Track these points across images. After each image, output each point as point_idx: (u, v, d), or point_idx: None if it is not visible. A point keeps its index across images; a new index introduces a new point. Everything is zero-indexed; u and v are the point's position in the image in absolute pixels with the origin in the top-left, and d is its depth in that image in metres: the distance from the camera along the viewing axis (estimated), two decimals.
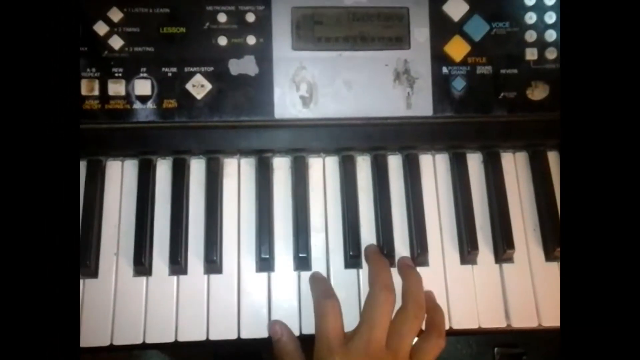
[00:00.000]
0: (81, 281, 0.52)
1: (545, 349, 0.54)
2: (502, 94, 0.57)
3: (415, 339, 0.50)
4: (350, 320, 0.51)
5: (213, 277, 0.54)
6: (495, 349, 0.54)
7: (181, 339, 0.52)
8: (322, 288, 0.52)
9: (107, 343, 0.51)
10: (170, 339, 0.52)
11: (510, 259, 0.56)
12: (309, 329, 0.52)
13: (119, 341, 0.51)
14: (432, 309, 0.52)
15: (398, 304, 0.50)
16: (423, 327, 0.51)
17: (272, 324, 0.52)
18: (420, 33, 0.57)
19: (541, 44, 0.57)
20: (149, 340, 0.52)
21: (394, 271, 0.54)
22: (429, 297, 0.53)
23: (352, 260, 0.54)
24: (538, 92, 0.57)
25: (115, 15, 0.54)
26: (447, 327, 0.54)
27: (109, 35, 0.54)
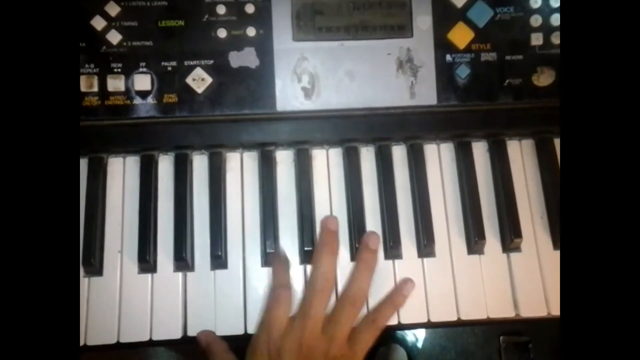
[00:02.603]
0: (86, 279, 0.52)
1: (552, 337, 0.54)
2: (507, 81, 0.56)
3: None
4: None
5: (218, 272, 0.53)
6: (501, 338, 0.54)
7: (188, 335, 0.52)
8: (282, 277, 0.52)
9: (113, 341, 0.51)
10: (176, 335, 0.52)
11: (517, 248, 0.55)
12: None
13: (125, 339, 0.51)
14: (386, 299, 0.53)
15: None
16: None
17: (197, 335, 0.51)
18: (423, 20, 0.56)
19: (547, 29, 0.56)
20: (155, 337, 0.51)
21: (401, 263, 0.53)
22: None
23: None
24: (544, 78, 0.56)
25: (113, 9, 0.54)
26: (455, 318, 0.53)
27: (106, 30, 0.53)
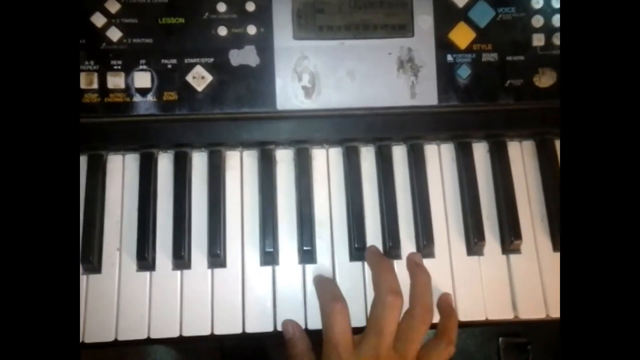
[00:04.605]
0: (84, 277, 0.52)
1: (551, 338, 0.54)
2: (508, 82, 0.56)
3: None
4: (355, 313, 0.51)
5: (217, 271, 0.53)
6: (500, 339, 0.54)
7: (186, 333, 0.51)
8: (328, 290, 0.50)
9: (111, 339, 0.51)
10: (174, 333, 0.51)
11: (517, 250, 0.55)
12: (315, 323, 0.51)
13: (123, 336, 0.51)
14: (447, 315, 0.52)
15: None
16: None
17: (285, 323, 0.51)
18: (424, 20, 0.56)
19: (548, 30, 0.56)
20: (153, 335, 0.51)
21: (400, 264, 0.53)
22: (446, 301, 0.53)
23: (357, 252, 0.54)
24: (545, 79, 0.56)
25: (113, 6, 0.53)
26: None
27: (106, 27, 0.53)
